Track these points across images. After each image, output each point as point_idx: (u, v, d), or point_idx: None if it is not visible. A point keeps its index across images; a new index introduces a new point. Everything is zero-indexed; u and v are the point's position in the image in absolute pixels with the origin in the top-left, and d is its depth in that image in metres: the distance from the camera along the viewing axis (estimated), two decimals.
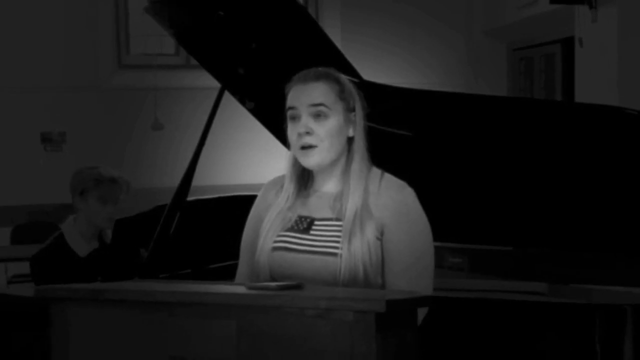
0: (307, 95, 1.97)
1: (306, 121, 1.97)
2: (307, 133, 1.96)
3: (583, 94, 5.34)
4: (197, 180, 2.99)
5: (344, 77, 2.04)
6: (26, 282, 5.50)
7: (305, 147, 1.97)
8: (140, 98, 6.47)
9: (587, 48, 5.27)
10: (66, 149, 6.43)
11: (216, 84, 7.06)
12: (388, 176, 2.04)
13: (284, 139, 2.78)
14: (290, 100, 2.00)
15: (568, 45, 5.95)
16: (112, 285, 1.88)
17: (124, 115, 6.47)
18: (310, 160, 1.99)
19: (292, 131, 2.00)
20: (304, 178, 2.06)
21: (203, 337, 1.70)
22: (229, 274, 2.93)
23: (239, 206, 3.12)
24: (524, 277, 2.89)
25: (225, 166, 6.39)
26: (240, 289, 1.79)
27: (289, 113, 2.00)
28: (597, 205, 2.58)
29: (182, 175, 2.59)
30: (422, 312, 1.90)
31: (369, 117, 2.05)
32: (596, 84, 5.19)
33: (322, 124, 1.97)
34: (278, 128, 2.76)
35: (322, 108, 1.96)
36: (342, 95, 1.99)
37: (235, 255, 2.97)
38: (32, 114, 6.28)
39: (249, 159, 6.45)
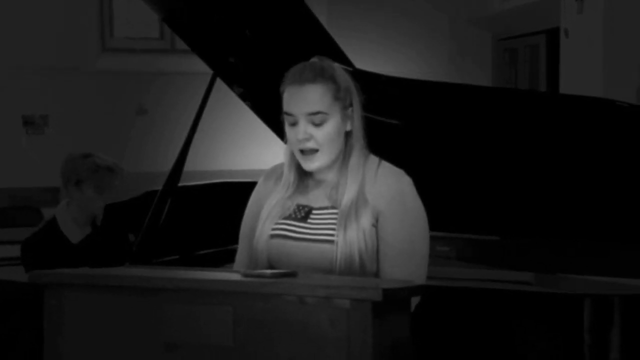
0: (303, 102, 1.97)
1: (305, 127, 1.98)
2: (306, 139, 1.98)
3: (567, 86, 5.37)
4: (187, 166, 2.98)
5: (339, 71, 2.03)
6: (8, 266, 5.48)
7: (306, 152, 1.99)
8: (124, 82, 6.42)
9: (572, 39, 5.29)
10: (48, 132, 6.37)
11: (201, 69, 7.02)
12: (385, 164, 2.06)
13: (275, 127, 2.80)
14: (286, 105, 2.00)
15: (553, 36, 5.97)
16: (107, 271, 1.87)
17: (107, 99, 6.41)
18: (312, 165, 2.01)
19: (290, 134, 2.02)
20: (302, 168, 2.07)
21: (199, 323, 1.70)
22: (217, 261, 2.94)
23: (228, 193, 3.14)
24: (511, 266, 2.92)
25: (215, 152, 6.36)
26: (236, 276, 1.80)
27: (287, 118, 2.01)
28: (587, 195, 2.61)
29: (174, 161, 2.58)
30: (414, 300, 1.91)
31: (363, 106, 2.05)
32: (581, 76, 5.22)
33: (321, 128, 1.98)
34: (270, 117, 2.77)
35: (319, 116, 1.98)
36: (338, 94, 2.00)
37: (224, 241, 2.99)
38: (14, 96, 6.21)
39: (240, 145, 6.43)
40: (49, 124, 6.36)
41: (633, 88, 4.94)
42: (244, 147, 6.39)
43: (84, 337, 1.80)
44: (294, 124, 1.99)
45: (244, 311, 1.68)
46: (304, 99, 1.97)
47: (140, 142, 6.34)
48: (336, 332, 1.62)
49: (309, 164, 2.01)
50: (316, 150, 1.99)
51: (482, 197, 2.83)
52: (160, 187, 2.93)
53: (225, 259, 2.97)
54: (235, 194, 3.13)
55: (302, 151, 2.00)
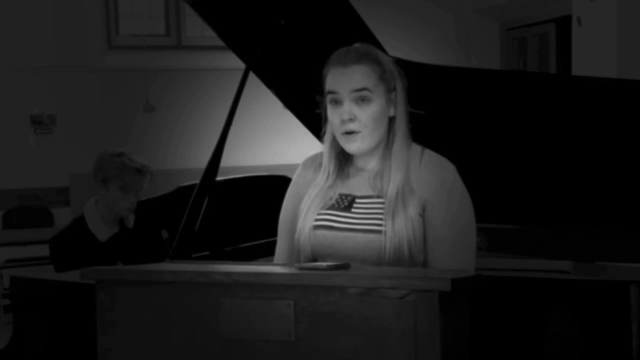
0: (348, 80, 1.94)
1: (349, 107, 1.95)
2: (351, 120, 1.95)
3: (580, 74, 5.34)
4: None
5: (383, 55, 2.01)
6: (19, 267, 5.44)
7: (349, 133, 1.96)
8: (131, 79, 6.39)
9: (584, 27, 5.27)
10: (56, 131, 6.33)
11: (207, 65, 6.94)
12: (429, 152, 2.03)
13: (310, 125, 2.76)
14: (330, 84, 1.97)
15: (562, 24, 5.95)
16: (161, 267, 1.84)
17: (114, 97, 6.39)
18: (354, 146, 1.98)
19: (333, 115, 1.98)
20: (343, 156, 2.05)
21: (258, 318, 1.67)
22: (249, 255, 2.91)
23: (256, 187, 3.10)
24: (545, 255, 2.89)
25: (244, 147, 6.29)
26: (293, 270, 1.77)
27: (330, 97, 1.97)
28: (622, 182, 2.58)
29: (210, 157, 2.54)
30: None
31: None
32: (594, 64, 5.19)
33: (365, 109, 1.95)
34: (304, 112, 2.73)
35: (365, 92, 1.94)
36: (383, 76, 1.97)
37: (259, 235, 2.95)
38: (21, 96, 6.18)
39: (267, 141, 6.39)
40: (57, 123, 6.32)
41: None
42: (266, 143, 6.35)
43: (138, 333, 1.77)
44: (337, 103, 1.96)
45: (305, 305, 1.64)
46: (350, 77, 1.94)
47: (148, 139, 6.32)
48: (402, 324, 1.58)
49: (350, 145, 1.97)
50: (359, 132, 1.95)
51: (515, 186, 2.80)
52: (179, 184, 2.91)
53: (256, 253, 2.94)
54: (264, 188, 3.11)
55: (345, 132, 1.96)
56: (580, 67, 5.37)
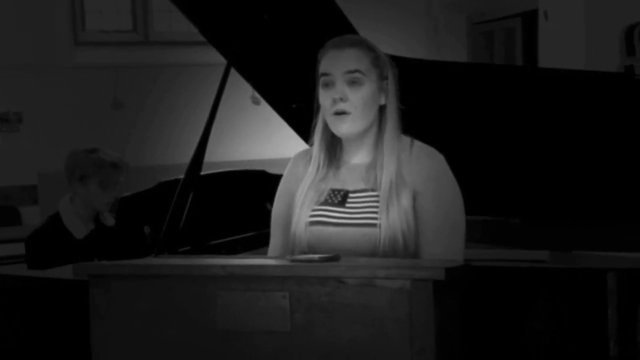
0: (342, 62, 1.99)
1: (341, 88, 1.98)
2: (342, 99, 1.98)
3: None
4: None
5: (376, 45, 2.06)
6: None
7: (339, 113, 1.98)
8: (99, 76, 6.33)
9: (551, 22, 5.33)
10: (23, 129, 6.26)
11: (174, 61, 6.86)
12: (418, 143, 2.06)
13: (290, 120, 2.77)
14: (324, 67, 2.01)
15: (529, 19, 6.02)
16: (156, 261, 1.84)
17: (82, 94, 6.32)
18: (343, 127, 2.00)
19: (325, 97, 2.01)
20: (333, 148, 2.07)
21: (256, 309, 1.69)
22: (230, 249, 2.92)
23: (243, 181, 3.12)
24: (518, 245, 2.93)
25: (222, 142, 6.23)
26: (286, 262, 1.79)
27: (323, 79, 2.01)
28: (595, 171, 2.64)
29: (194, 152, 2.54)
30: None
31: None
32: (560, 59, 5.24)
33: (357, 90, 1.98)
34: (284, 107, 2.75)
35: (357, 74, 1.98)
36: (376, 62, 2.02)
37: (238, 230, 2.97)
38: None
39: (245, 135, 6.35)
40: (24, 121, 6.25)
41: (615, 69, 4.99)
42: (244, 138, 6.32)
43: (133, 327, 1.77)
44: (329, 85, 1.99)
45: (301, 296, 1.67)
46: (344, 60, 1.99)
47: (117, 135, 6.26)
48: (397, 313, 1.62)
49: (340, 126, 1.99)
50: (349, 114, 1.98)
51: (491, 178, 2.84)
52: (158, 180, 2.91)
53: (236, 248, 2.95)
54: (242, 183, 3.12)
55: (335, 113, 1.98)
56: (547, 62, 5.43)
